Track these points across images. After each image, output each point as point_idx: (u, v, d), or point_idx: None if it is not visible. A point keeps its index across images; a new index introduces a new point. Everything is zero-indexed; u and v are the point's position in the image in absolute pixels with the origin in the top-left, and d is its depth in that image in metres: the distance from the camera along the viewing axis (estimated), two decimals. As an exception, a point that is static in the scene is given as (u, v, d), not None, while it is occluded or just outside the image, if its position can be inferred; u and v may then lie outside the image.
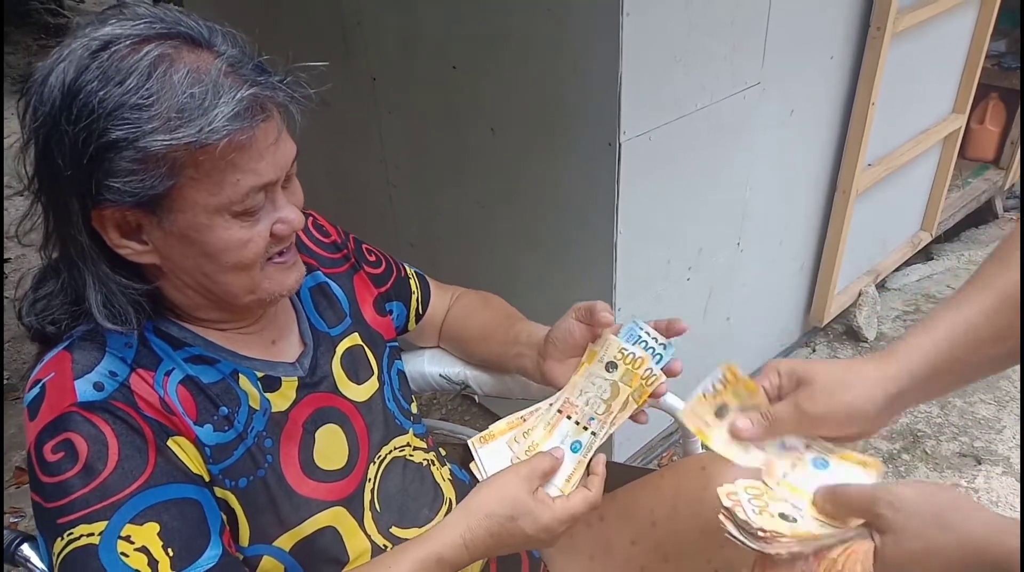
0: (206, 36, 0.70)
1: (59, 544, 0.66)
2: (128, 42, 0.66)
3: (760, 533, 0.67)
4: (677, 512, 0.99)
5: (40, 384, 0.71)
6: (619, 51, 1.29)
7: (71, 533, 0.66)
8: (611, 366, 0.85)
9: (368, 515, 0.86)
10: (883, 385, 0.70)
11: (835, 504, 0.67)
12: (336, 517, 0.83)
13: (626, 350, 0.85)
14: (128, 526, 0.67)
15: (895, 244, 2.57)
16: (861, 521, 0.65)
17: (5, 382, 2.42)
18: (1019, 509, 1.82)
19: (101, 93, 0.64)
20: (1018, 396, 2.15)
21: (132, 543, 0.66)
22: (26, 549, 0.84)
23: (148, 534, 0.67)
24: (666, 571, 1.00)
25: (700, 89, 1.50)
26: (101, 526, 0.66)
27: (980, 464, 1.94)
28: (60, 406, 0.69)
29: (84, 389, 0.70)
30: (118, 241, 0.71)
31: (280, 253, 0.78)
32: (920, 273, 2.74)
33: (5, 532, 0.85)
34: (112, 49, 0.66)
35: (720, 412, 0.80)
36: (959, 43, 2.29)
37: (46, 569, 0.70)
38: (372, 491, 0.88)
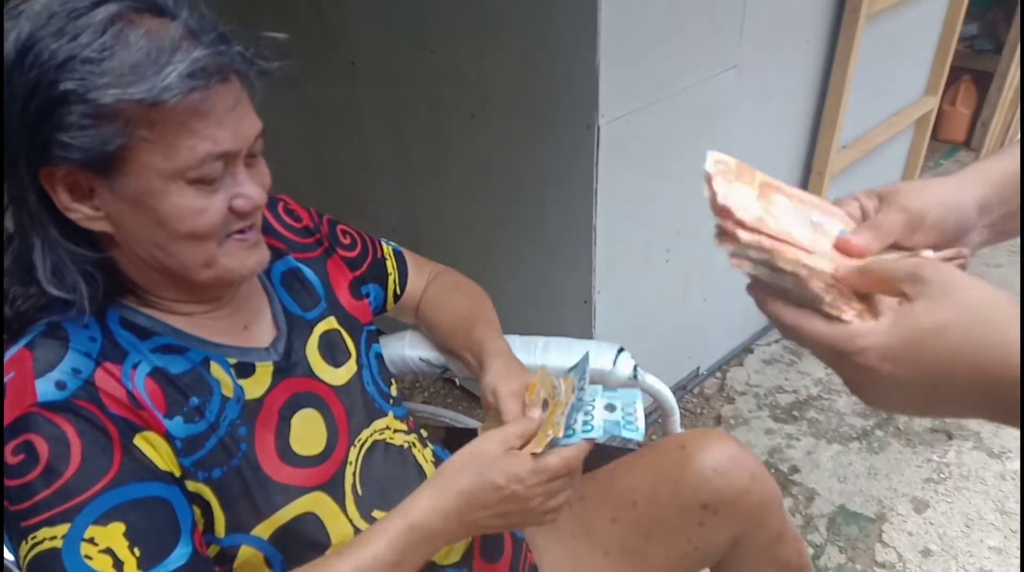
0: (170, 5, 0.69)
1: (24, 548, 0.65)
2: (88, 2, 0.65)
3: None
4: (657, 491, 1.01)
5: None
6: (597, 35, 1.29)
7: (35, 537, 0.64)
8: (544, 404, 0.86)
9: (350, 499, 0.86)
10: (969, 183, 0.63)
11: (865, 273, 0.57)
12: (315, 502, 0.83)
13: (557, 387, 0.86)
14: (92, 528, 0.65)
15: (869, 225, 2.60)
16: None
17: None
18: (989, 482, 1.87)
19: (53, 46, 0.63)
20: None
21: (96, 545, 0.65)
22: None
23: (113, 535, 0.65)
24: (647, 549, 1.02)
25: (678, 72, 1.51)
26: (64, 529, 0.64)
27: (951, 439, 1.99)
28: (20, 406, 0.67)
29: (45, 388, 0.68)
30: (68, 203, 0.69)
31: (241, 230, 0.75)
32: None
33: None
34: (70, 7, 0.65)
35: None
36: (932, 25, 2.31)
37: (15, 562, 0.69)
38: (354, 474, 0.87)
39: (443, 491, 0.76)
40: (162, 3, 0.68)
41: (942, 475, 1.90)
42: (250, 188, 0.73)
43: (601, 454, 1.12)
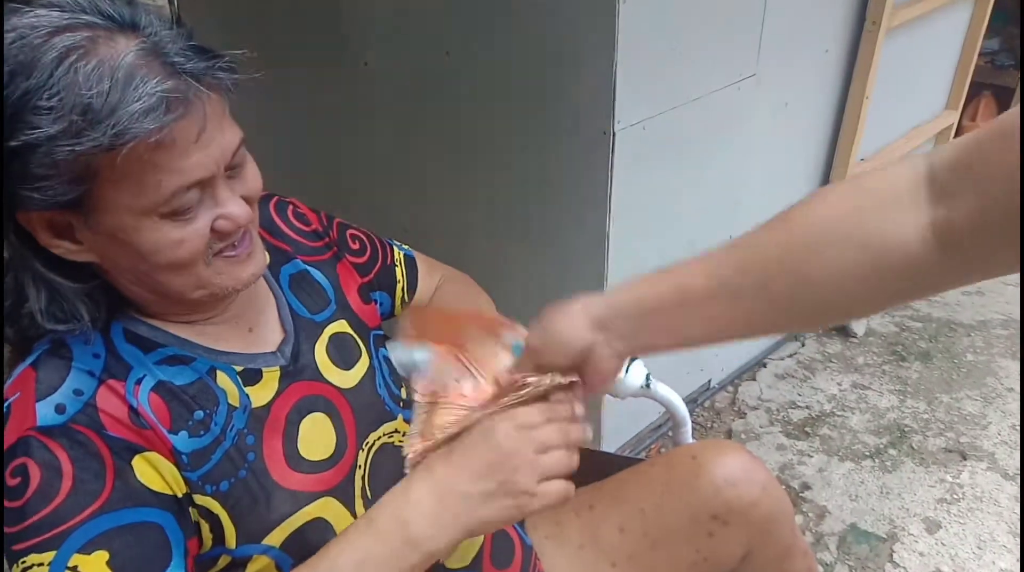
0: (128, 18, 0.64)
1: (16, 571, 0.64)
2: (41, 33, 0.61)
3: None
4: (665, 500, 1.00)
5: (6, 404, 0.69)
6: (615, 40, 1.28)
7: (24, 562, 0.63)
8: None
9: (360, 502, 0.85)
10: (584, 309, 0.75)
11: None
12: (325, 507, 0.81)
13: None
14: (75, 556, 0.63)
15: (885, 240, 2.58)
16: None
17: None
18: (1003, 504, 1.83)
19: (5, 92, 0.60)
20: (1003, 392, 2.17)
21: None
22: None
23: (96, 564, 0.64)
24: (654, 559, 1.00)
25: (696, 79, 1.50)
26: (49, 556, 0.63)
27: (965, 460, 1.96)
28: (20, 429, 0.66)
29: (45, 412, 0.67)
30: (50, 241, 0.67)
31: (233, 245, 0.73)
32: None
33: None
34: (22, 42, 0.61)
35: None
36: (953, 40, 2.29)
37: None
38: (363, 478, 0.86)
39: (411, 483, 0.74)
40: (119, 20, 0.64)
41: (955, 496, 1.86)
42: (232, 206, 0.70)
43: (611, 464, 1.11)
